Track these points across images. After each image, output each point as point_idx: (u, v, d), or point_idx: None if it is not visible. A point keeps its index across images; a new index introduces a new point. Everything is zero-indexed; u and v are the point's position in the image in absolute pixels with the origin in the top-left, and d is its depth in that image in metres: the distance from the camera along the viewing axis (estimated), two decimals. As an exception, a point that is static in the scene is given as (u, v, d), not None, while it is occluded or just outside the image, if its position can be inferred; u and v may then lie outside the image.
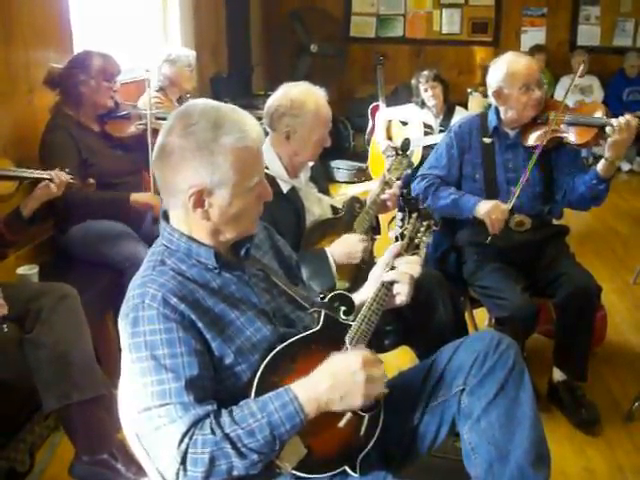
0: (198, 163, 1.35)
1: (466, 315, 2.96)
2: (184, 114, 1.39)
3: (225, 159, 1.35)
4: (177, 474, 1.26)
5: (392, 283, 1.60)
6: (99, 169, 2.99)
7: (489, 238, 2.67)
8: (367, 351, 1.43)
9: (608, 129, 2.52)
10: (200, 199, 1.37)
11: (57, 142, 2.92)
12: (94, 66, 2.99)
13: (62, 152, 2.89)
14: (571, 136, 2.69)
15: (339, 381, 1.33)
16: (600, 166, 2.60)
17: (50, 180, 2.51)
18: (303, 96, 2.36)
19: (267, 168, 2.39)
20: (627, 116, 2.51)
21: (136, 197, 2.98)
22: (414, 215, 1.74)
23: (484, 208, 2.66)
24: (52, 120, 3.00)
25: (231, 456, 1.25)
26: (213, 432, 1.25)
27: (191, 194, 1.36)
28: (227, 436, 1.25)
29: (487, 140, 2.81)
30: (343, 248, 2.37)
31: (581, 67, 3.77)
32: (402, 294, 1.60)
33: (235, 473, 1.27)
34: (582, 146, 2.74)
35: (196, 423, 1.26)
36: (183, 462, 1.25)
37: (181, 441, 1.25)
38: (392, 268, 1.62)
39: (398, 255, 1.65)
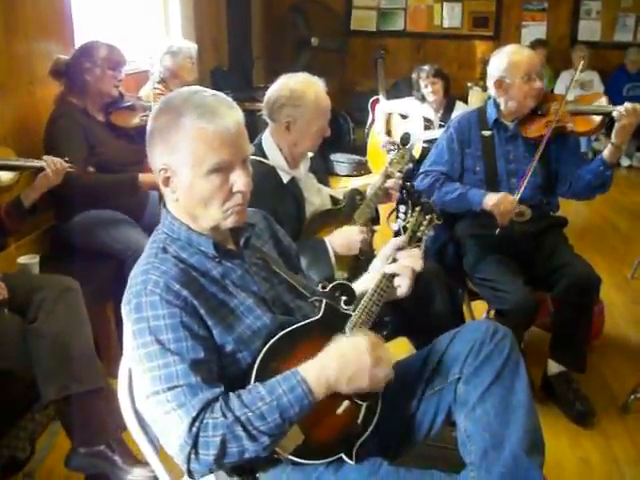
0: (162, 143, 1.39)
1: (464, 307, 2.98)
2: (164, 99, 1.45)
3: (183, 139, 1.37)
4: (188, 458, 1.26)
5: (393, 275, 1.61)
6: (104, 157, 3.02)
7: (497, 230, 2.69)
8: (373, 335, 1.45)
9: (616, 114, 2.56)
10: (166, 178, 1.41)
11: (64, 129, 2.93)
12: (99, 55, 3.02)
13: (69, 139, 2.90)
14: (575, 125, 2.73)
15: (347, 362, 1.34)
16: (607, 152, 2.65)
17: (46, 167, 2.52)
18: (303, 86, 2.36)
19: (267, 158, 2.42)
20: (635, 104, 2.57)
21: (144, 178, 3.01)
22: (417, 208, 1.75)
23: (492, 200, 2.68)
24: (57, 109, 3.01)
25: (242, 439, 1.26)
26: (224, 415, 1.26)
27: (159, 171, 1.41)
28: (238, 419, 1.26)
29: (487, 133, 2.84)
30: (342, 239, 2.38)
31: (581, 63, 3.79)
32: (403, 287, 1.61)
33: (246, 456, 1.28)
34: (587, 134, 2.84)
35: (206, 407, 1.27)
36: (194, 446, 1.25)
37: (192, 425, 1.25)
38: (394, 260, 1.63)
39: (400, 248, 1.66)
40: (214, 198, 1.40)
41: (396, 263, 1.61)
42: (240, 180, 1.41)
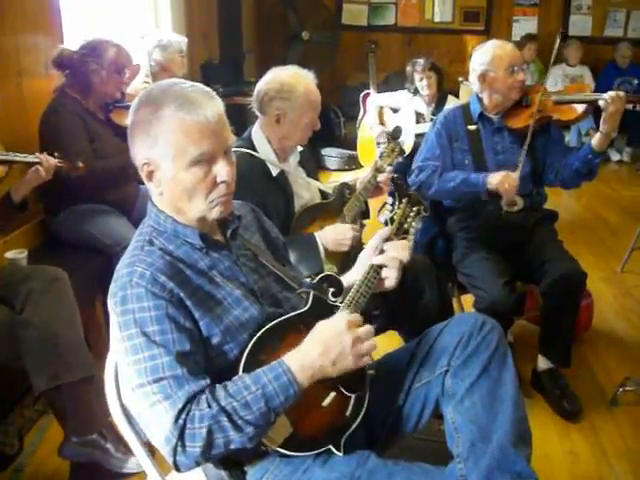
0: (143, 136, 1.39)
1: (454, 301, 2.99)
2: (144, 92, 1.43)
3: (162, 131, 1.35)
4: (175, 450, 1.25)
5: (381, 267, 1.61)
6: (101, 154, 2.99)
7: (504, 209, 2.74)
8: (349, 314, 1.45)
9: (602, 103, 2.59)
10: (149, 172, 1.41)
11: (66, 123, 2.89)
12: (107, 57, 2.98)
13: (71, 133, 2.87)
14: (560, 114, 2.77)
15: (328, 346, 1.34)
16: (595, 140, 2.67)
17: (39, 164, 2.50)
18: (293, 79, 2.36)
19: (256, 151, 2.41)
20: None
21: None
22: (404, 200, 1.75)
23: (496, 179, 2.69)
24: (57, 101, 2.97)
25: (228, 429, 1.25)
26: (209, 406, 1.26)
27: (141, 166, 1.41)
28: (223, 409, 1.25)
29: (472, 127, 2.87)
30: (333, 235, 2.38)
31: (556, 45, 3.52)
32: (390, 278, 1.61)
33: (232, 447, 1.28)
34: (572, 122, 2.88)
35: (192, 399, 1.27)
36: (181, 438, 1.24)
37: (178, 417, 1.25)
38: (381, 252, 1.63)
39: (387, 239, 1.66)
40: (198, 190, 1.39)
41: (383, 254, 1.61)
42: (223, 170, 1.39)
